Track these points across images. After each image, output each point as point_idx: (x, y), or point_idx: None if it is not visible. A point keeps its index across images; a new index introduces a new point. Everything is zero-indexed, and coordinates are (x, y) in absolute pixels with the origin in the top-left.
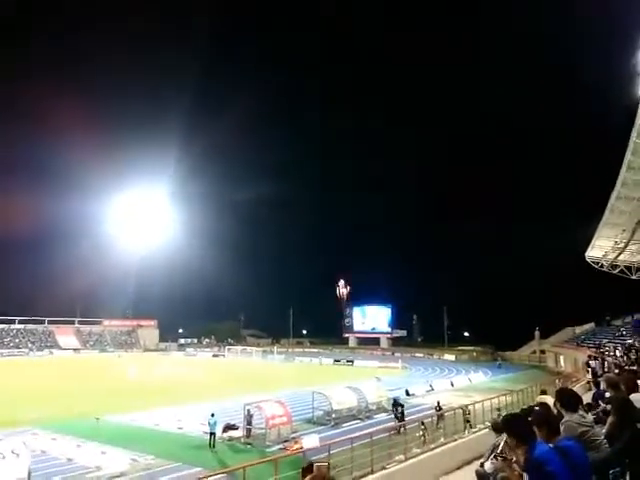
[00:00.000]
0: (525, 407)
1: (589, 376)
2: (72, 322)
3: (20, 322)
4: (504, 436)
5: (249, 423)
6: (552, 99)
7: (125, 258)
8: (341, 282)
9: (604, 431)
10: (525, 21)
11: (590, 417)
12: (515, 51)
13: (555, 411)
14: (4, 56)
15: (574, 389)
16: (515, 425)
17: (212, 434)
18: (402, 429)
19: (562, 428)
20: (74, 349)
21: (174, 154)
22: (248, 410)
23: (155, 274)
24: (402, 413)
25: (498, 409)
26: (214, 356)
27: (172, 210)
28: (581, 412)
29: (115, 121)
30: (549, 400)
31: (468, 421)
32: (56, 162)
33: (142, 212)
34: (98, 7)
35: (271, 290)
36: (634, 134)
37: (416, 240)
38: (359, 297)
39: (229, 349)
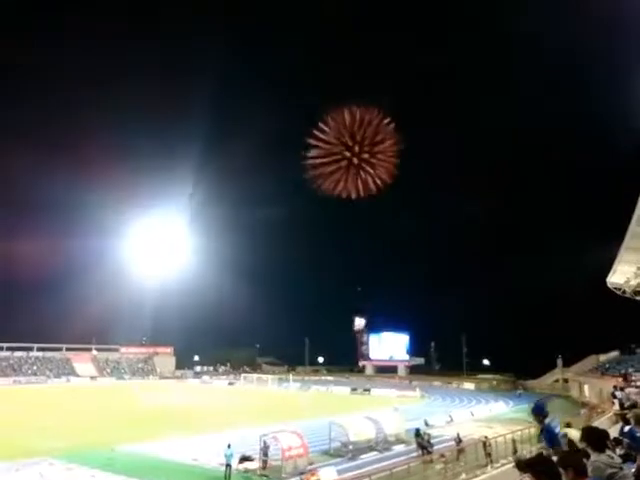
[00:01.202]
0: None
1: (615, 407)
2: (89, 349)
3: (38, 349)
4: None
5: (265, 454)
6: (564, 112)
7: (142, 285)
8: (357, 319)
9: (633, 470)
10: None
11: (617, 457)
12: (526, 67)
13: (580, 446)
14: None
15: (600, 421)
16: (541, 467)
17: (228, 466)
18: (427, 458)
19: (589, 469)
20: (91, 377)
21: (191, 180)
22: (264, 441)
23: (172, 301)
24: (429, 442)
25: (513, 440)
26: (230, 384)
27: (190, 237)
28: (609, 452)
29: (129, 149)
30: (574, 434)
31: (489, 454)
32: (70, 191)
33: (160, 239)
34: (102, 29)
35: (287, 317)
36: None
37: (434, 267)
38: (376, 324)
39: (245, 377)
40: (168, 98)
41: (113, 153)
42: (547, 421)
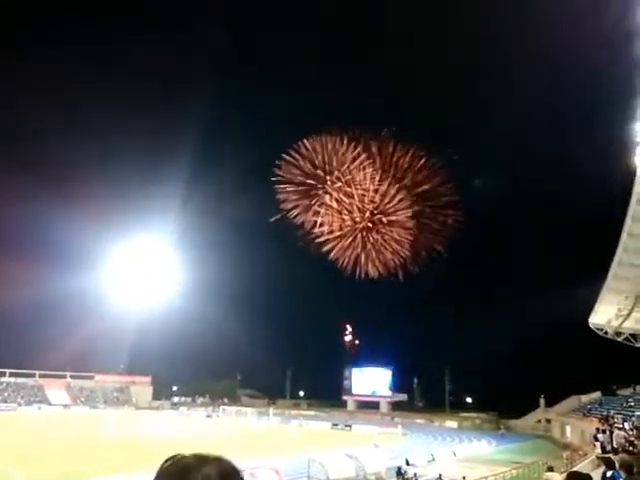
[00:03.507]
0: None
1: (597, 450)
2: (64, 376)
3: (11, 375)
4: None
5: None
6: (550, 161)
7: (122, 313)
8: (348, 329)
9: None
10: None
11: None
12: (515, 111)
13: None
14: None
15: (582, 465)
16: None
17: None
18: None
19: None
20: (64, 405)
21: (175, 206)
22: (241, 478)
23: (152, 329)
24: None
25: None
26: (208, 416)
27: (172, 265)
28: None
29: (112, 175)
30: (556, 478)
31: None
32: (47, 216)
33: (141, 266)
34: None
35: (270, 349)
36: (633, 201)
37: (418, 302)
38: (359, 358)
39: (223, 409)
40: (153, 120)
41: (94, 178)
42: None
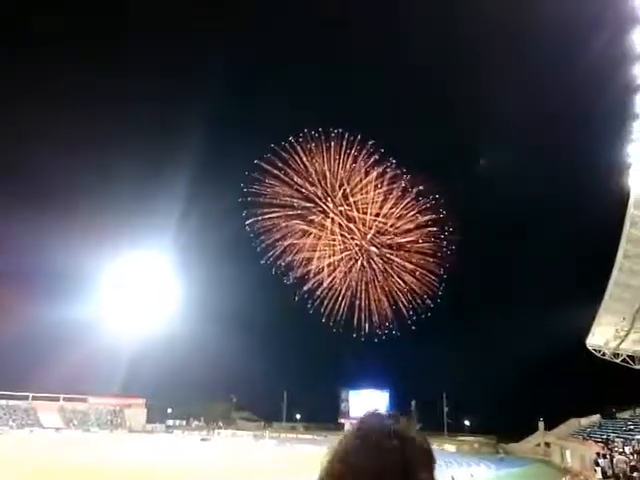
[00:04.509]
0: None
1: (598, 476)
2: (57, 399)
3: (3, 397)
4: None
5: None
6: (546, 180)
7: (118, 334)
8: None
9: None
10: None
11: None
12: (515, 133)
13: None
14: None
15: None
16: None
17: None
18: None
19: None
20: (56, 428)
21: (172, 226)
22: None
23: (146, 351)
24: None
25: None
26: (202, 440)
27: (167, 285)
28: None
29: (110, 194)
30: None
31: None
32: (41, 235)
33: (137, 287)
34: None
35: (265, 372)
36: (627, 223)
37: (415, 324)
38: (356, 381)
39: (219, 433)
40: (152, 136)
41: (91, 196)
42: None
